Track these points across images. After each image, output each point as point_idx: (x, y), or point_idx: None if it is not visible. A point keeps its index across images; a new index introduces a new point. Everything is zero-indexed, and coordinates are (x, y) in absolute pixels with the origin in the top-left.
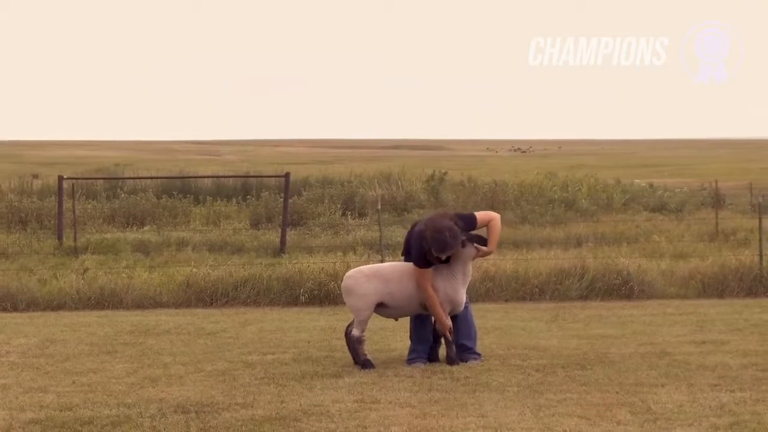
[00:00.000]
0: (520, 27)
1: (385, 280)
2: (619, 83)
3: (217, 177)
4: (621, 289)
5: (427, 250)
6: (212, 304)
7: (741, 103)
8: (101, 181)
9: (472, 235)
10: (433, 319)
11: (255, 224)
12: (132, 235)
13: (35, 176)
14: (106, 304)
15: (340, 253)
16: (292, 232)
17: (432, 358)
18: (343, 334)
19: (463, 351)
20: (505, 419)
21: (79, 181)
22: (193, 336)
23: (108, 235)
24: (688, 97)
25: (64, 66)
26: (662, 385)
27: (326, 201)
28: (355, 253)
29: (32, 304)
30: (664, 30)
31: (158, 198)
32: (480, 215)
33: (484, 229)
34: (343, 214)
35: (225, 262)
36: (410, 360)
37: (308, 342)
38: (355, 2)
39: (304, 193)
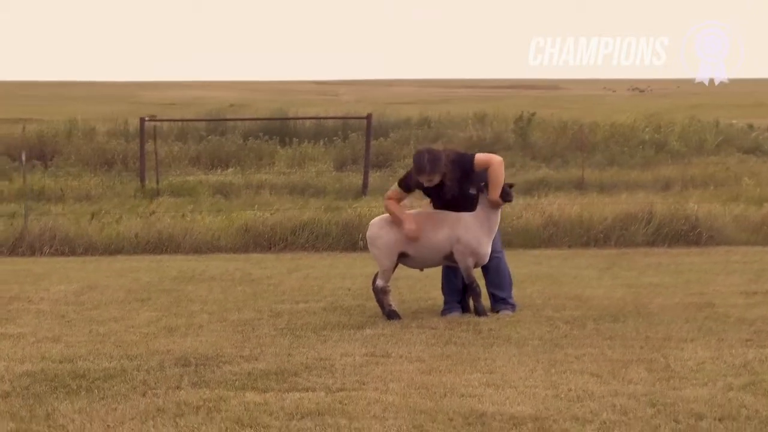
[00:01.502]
0: (520, 27)
1: None
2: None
3: (297, 119)
4: (689, 235)
5: (411, 173)
6: (270, 249)
7: None
8: (203, 123)
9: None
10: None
11: (340, 166)
12: (214, 177)
13: (152, 117)
14: (164, 248)
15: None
16: (377, 174)
17: (465, 308)
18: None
19: (496, 301)
20: (512, 376)
21: (174, 123)
22: (235, 283)
23: (191, 178)
24: None
25: (181, 4)
26: (691, 340)
27: (412, 142)
28: None
29: (90, 249)
30: (664, 30)
31: (245, 140)
32: (479, 156)
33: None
34: None
35: (300, 205)
36: (444, 311)
37: (348, 290)
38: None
39: (391, 135)
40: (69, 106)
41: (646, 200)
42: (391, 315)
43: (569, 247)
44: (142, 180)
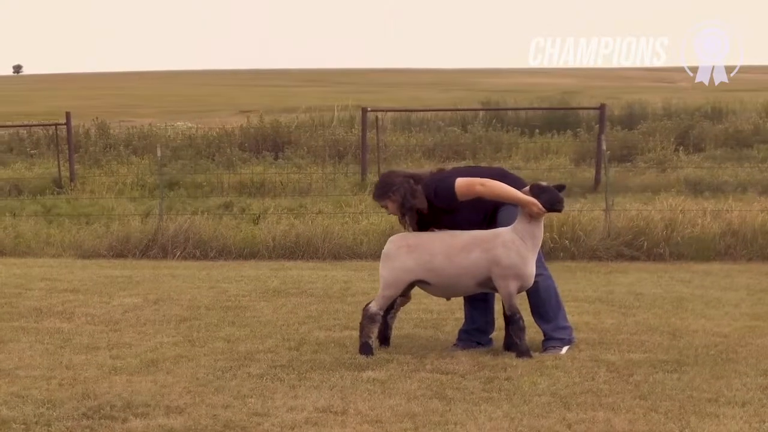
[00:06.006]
0: (520, 27)
1: (431, 254)
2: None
3: (525, 109)
4: None
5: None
6: None
7: None
8: (481, 113)
9: (541, 186)
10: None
11: (580, 160)
12: None
13: (484, 104)
14: (301, 253)
15: (647, 193)
16: (617, 168)
17: (509, 345)
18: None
19: (544, 337)
20: None
21: (427, 113)
22: (320, 298)
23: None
24: None
25: None
26: (741, 404)
27: (658, 134)
28: (676, 192)
29: (224, 252)
30: (664, 30)
31: (486, 130)
32: (461, 185)
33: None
34: (676, 149)
35: None
36: (454, 345)
37: (431, 312)
38: None
39: (642, 125)
40: (403, 92)
41: None
42: (364, 348)
43: (748, 260)
44: (363, 173)
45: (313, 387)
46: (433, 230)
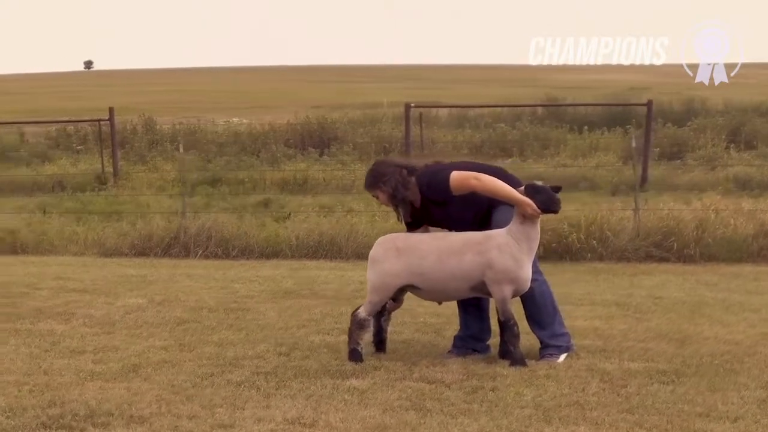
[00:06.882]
0: (520, 27)
1: (420, 257)
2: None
3: (576, 105)
4: None
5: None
6: None
7: None
8: (533, 109)
9: (536, 186)
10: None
11: (629, 158)
12: None
13: (554, 100)
14: (324, 253)
15: (695, 192)
16: (665, 166)
17: (503, 352)
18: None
19: (540, 345)
20: None
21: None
22: (329, 300)
23: None
24: None
25: None
26: (733, 420)
27: (709, 131)
28: (723, 191)
29: (246, 251)
30: (664, 30)
31: (535, 126)
32: (455, 179)
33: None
34: (727, 147)
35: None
36: (449, 351)
37: (438, 315)
38: None
39: (693, 122)
40: (470, 89)
41: None
42: (353, 354)
43: None
44: None
45: (289, 396)
46: (426, 227)
